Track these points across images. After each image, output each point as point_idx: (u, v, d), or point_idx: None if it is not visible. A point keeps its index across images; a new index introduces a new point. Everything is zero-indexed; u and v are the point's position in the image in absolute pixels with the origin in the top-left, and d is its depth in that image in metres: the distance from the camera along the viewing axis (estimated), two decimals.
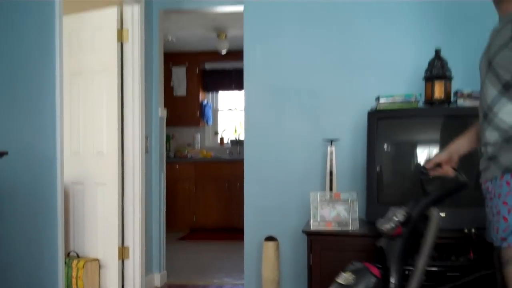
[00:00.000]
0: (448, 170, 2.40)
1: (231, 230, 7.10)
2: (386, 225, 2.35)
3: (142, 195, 4.60)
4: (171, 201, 5.86)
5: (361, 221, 3.33)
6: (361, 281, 2.30)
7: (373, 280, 2.29)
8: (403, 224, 2.33)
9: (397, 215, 2.36)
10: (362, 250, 3.13)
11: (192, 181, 7.81)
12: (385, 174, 3.30)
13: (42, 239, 3.18)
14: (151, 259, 4.85)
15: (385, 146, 3.32)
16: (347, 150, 3.69)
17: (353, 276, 2.36)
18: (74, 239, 4.73)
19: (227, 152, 8.40)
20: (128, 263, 4.58)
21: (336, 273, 3.11)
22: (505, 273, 2.08)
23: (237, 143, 8.26)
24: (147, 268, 4.74)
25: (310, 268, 3.22)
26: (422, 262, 2.32)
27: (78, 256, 4.64)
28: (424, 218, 2.36)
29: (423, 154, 3.33)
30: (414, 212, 2.35)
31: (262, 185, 3.83)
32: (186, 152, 8.31)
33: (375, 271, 2.33)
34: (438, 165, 2.42)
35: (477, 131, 2.34)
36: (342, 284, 2.36)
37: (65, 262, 3.41)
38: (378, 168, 3.26)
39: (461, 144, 2.42)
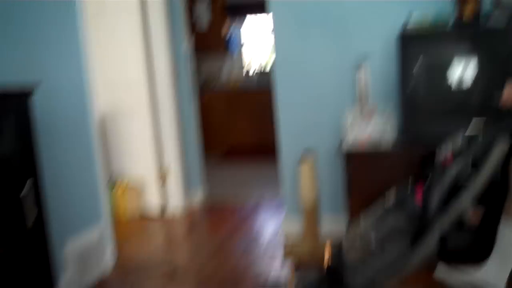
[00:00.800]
0: None
1: (266, 153, 7.19)
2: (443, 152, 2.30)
3: (176, 118, 4.75)
4: (204, 128, 5.97)
5: (394, 139, 3.37)
6: (403, 209, 2.29)
7: (416, 208, 2.24)
8: (454, 154, 2.27)
9: (453, 144, 2.30)
10: (396, 166, 3.19)
11: (221, 111, 7.84)
12: (418, 94, 3.30)
13: (82, 166, 3.32)
14: (190, 180, 5.01)
15: (417, 66, 3.30)
16: (379, 71, 3.66)
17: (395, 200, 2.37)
18: (116, 164, 4.93)
19: (255, 82, 8.37)
20: (168, 185, 4.77)
21: (370, 189, 3.18)
22: None
23: (263, 74, 8.21)
24: (187, 189, 4.91)
25: (346, 186, 3.30)
26: (467, 195, 2.17)
27: (119, 180, 4.83)
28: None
29: (454, 73, 3.30)
30: (474, 143, 2.24)
31: (294, 109, 3.84)
32: (213, 84, 8.32)
33: (419, 198, 2.26)
34: None
35: None
36: (385, 208, 2.37)
37: (108, 186, 3.56)
38: (410, 88, 3.26)
39: None
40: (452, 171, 2.21)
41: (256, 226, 4.39)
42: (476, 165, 2.21)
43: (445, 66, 3.31)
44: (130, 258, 3.66)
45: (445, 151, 2.29)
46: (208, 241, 4.04)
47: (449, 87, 3.29)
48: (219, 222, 4.55)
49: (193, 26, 7.73)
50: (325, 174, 3.81)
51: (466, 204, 2.16)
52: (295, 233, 3.84)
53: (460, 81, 3.25)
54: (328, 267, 2.44)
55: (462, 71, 3.27)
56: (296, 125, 3.86)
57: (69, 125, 3.20)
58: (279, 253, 3.60)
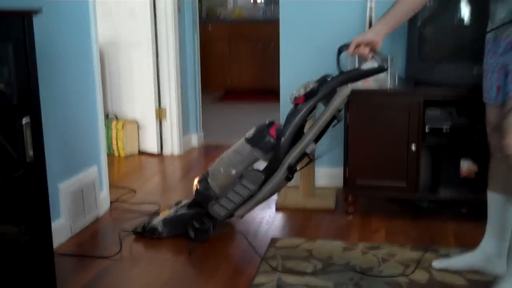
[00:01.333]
0: (365, 51, 2.46)
1: (266, 92, 7.12)
2: (293, 93, 2.67)
3: (177, 56, 4.60)
4: (205, 63, 5.84)
5: (400, 78, 3.28)
6: (260, 140, 2.73)
7: (271, 140, 2.69)
8: (306, 96, 2.62)
9: (306, 87, 2.64)
10: (400, 108, 3.11)
11: (225, 42, 7.70)
12: (426, 30, 3.19)
13: (81, 100, 3.22)
14: (188, 120, 4.93)
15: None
16: (387, 5, 3.54)
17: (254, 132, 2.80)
18: (111, 101, 4.82)
19: (261, 11, 8.19)
20: (166, 124, 4.69)
21: (374, 131, 3.14)
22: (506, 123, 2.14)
23: (271, 2, 8.03)
24: (184, 129, 4.84)
25: (346, 127, 3.23)
26: (312, 131, 2.66)
27: (116, 118, 4.75)
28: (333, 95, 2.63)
29: (466, 8, 3.18)
30: (323, 87, 2.62)
31: (298, 46, 3.74)
32: (218, 12, 8.14)
33: (273, 132, 2.69)
34: (358, 46, 2.47)
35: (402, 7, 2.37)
36: (246, 138, 2.82)
37: (105, 124, 3.49)
38: (419, 24, 3.14)
39: (383, 25, 2.43)
40: (303, 111, 2.61)
41: None
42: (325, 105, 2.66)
43: (457, 1, 3.18)
44: (125, 200, 3.60)
45: (298, 92, 2.65)
46: None
47: (460, 24, 3.16)
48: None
49: None
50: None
51: (310, 140, 2.65)
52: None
53: (472, 19, 3.12)
54: (197, 195, 2.95)
55: (472, 5, 3.14)
56: (300, 63, 3.74)
57: (70, 56, 3.08)
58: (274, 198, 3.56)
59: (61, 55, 2.98)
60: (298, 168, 2.80)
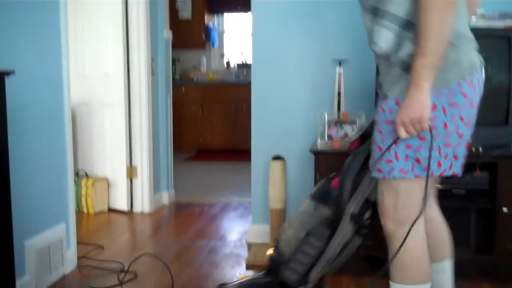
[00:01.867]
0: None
1: (237, 151, 7.20)
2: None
3: (149, 116, 4.64)
4: (178, 123, 5.90)
5: None
6: (322, 194, 2.36)
7: (331, 192, 2.31)
8: (362, 138, 2.32)
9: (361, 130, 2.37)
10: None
11: (198, 103, 7.83)
12: None
13: (51, 158, 3.22)
14: (159, 178, 4.93)
15: None
16: (355, 72, 3.66)
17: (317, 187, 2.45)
18: (83, 159, 4.82)
19: (234, 75, 8.37)
20: (137, 182, 4.68)
21: None
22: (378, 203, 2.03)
23: (243, 66, 8.22)
24: (155, 187, 4.83)
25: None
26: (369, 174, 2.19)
27: (87, 175, 4.73)
28: None
29: None
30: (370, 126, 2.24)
31: (269, 107, 3.82)
32: (192, 75, 8.28)
33: (335, 184, 2.32)
34: None
35: None
36: (309, 195, 2.43)
37: (74, 181, 3.47)
38: None
39: None
40: (360, 155, 2.22)
41: (224, 227, 4.33)
42: None
43: None
44: (93, 257, 3.56)
45: (354, 137, 2.44)
46: (173, 241, 3.96)
47: None
48: (186, 221, 4.48)
49: (174, 14, 7.71)
50: (296, 177, 3.77)
51: (369, 185, 2.18)
52: (262, 235, 3.79)
53: None
54: (270, 261, 2.53)
55: None
56: (270, 125, 3.81)
57: (42, 116, 3.10)
58: (245, 255, 3.55)
59: (32, 114, 2.99)
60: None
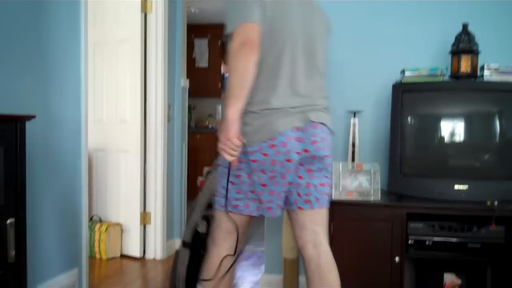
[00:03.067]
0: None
1: None
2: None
3: (164, 162, 4.66)
4: (192, 170, 5.91)
5: (382, 191, 3.35)
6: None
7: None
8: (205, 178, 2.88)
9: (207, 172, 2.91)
10: (382, 219, 3.16)
11: (213, 151, 7.85)
12: (408, 146, 3.31)
13: (66, 202, 3.24)
14: (172, 225, 4.92)
15: (409, 119, 3.32)
16: (370, 122, 3.69)
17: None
18: (97, 204, 4.83)
19: None
20: (150, 228, 4.67)
21: (357, 242, 3.16)
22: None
23: None
24: (168, 234, 4.82)
25: (331, 237, 3.25)
26: (197, 209, 2.84)
27: (100, 221, 4.74)
28: None
29: (447, 127, 3.32)
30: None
31: None
32: (207, 123, 8.35)
33: None
34: None
35: None
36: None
37: (88, 226, 3.48)
38: (401, 140, 3.26)
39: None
40: (202, 192, 2.83)
41: (236, 276, 4.28)
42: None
43: (438, 119, 3.33)
44: None
45: (203, 178, 2.94)
46: None
47: (441, 141, 3.29)
48: None
49: (191, 63, 7.84)
50: None
51: (196, 217, 2.83)
52: (275, 285, 3.75)
53: (452, 136, 3.26)
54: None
55: (454, 124, 3.29)
56: None
57: (59, 160, 3.14)
58: None
59: (50, 158, 3.04)
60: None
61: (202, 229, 2.82)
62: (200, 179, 2.92)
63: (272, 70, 2.23)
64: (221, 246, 2.40)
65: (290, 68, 2.26)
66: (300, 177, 2.33)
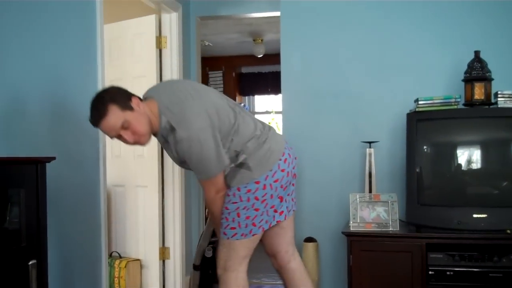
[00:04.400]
0: None
1: None
2: None
3: (182, 196, 4.68)
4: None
5: (400, 222, 3.33)
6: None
7: None
8: None
9: None
10: (402, 250, 3.14)
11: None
12: (424, 175, 3.30)
13: (86, 239, 3.26)
14: (191, 259, 4.91)
15: (425, 148, 3.32)
16: (385, 152, 3.70)
17: None
18: (116, 240, 4.84)
19: None
20: (169, 263, 4.67)
21: (377, 274, 3.14)
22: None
23: None
24: (187, 268, 4.80)
25: (350, 269, 3.24)
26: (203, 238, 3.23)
27: (120, 256, 4.74)
28: None
29: (464, 155, 3.32)
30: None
31: (300, 187, 3.84)
32: None
33: None
34: None
35: None
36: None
37: (108, 262, 3.49)
38: (417, 169, 3.26)
39: None
40: (208, 223, 3.21)
41: None
42: None
43: (454, 147, 3.32)
44: None
45: None
46: None
47: (458, 170, 3.28)
48: None
49: None
50: (329, 258, 3.74)
51: (204, 243, 3.19)
52: None
53: (469, 164, 3.25)
54: None
55: (470, 151, 3.28)
56: (302, 205, 3.81)
57: (78, 198, 3.17)
58: None
59: (69, 196, 3.07)
60: None
61: (209, 254, 3.19)
62: (207, 210, 2.99)
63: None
64: (237, 270, 2.65)
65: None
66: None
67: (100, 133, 3.44)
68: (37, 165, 2.15)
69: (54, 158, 2.25)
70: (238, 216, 2.54)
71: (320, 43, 3.90)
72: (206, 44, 7.57)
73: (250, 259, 2.74)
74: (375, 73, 3.78)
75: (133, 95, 2.49)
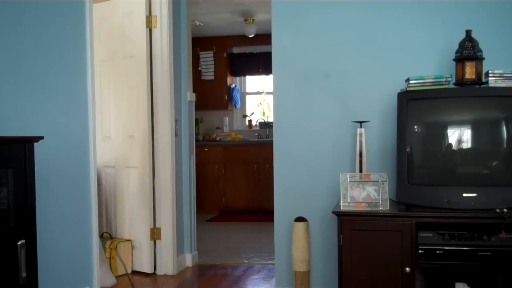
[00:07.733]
0: None
1: (260, 212, 7.22)
2: None
3: (173, 177, 4.67)
4: (200, 183, 5.94)
5: (391, 201, 3.34)
6: None
7: None
8: None
9: None
10: (392, 229, 3.15)
11: (221, 163, 7.89)
12: (415, 155, 3.30)
13: (76, 220, 3.26)
14: (182, 240, 4.93)
15: (415, 127, 3.32)
16: (376, 132, 3.69)
17: None
18: (106, 221, 4.84)
19: (256, 134, 8.46)
20: (160, 244, 4.68)
21: (367, 253, 3.15)
22: None
23: (265, 126, 8.30)
24: (179, 249, 4.82)
25: (340, 248, 3.25)
26: None
27: (111, 237, 4.75)
28: None
29: (454, 135, 3.32)
30: None
31: (291, 168, 3.84)
32: (215, 135, 8.37)
33: None
34: None
35: None
36: None
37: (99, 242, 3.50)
38: (408, 149, 3.26)
39: None
40: None
41: None
42: None
43: (445, 127, 3.32)
44: None
45: None
46: None
47: (448, 149, 3.29)
48: (209, 284, 4.44)
49: (197, 76, 7.92)
50: (319, 238, 3.75)
51: None
52: None
53: (459, 144, 3.26)
54: None
55: (460, 131, 3.28)
56: (293, 185, 3.83)
57: (68, 178, 3.16)
58: None
59: (59, 177, 3.06)
60: None
61: None
62: None
63: None
64: None
65: None
66: None
67: (90, 113, 3.42)
68: (25, 144, 2.13)
69: (42, 138, 2.23)
70: None
71: (311, 23, 3.87)
72: (197, 24, 7.51)
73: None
74: (366, 53, 3.76)
75: None
